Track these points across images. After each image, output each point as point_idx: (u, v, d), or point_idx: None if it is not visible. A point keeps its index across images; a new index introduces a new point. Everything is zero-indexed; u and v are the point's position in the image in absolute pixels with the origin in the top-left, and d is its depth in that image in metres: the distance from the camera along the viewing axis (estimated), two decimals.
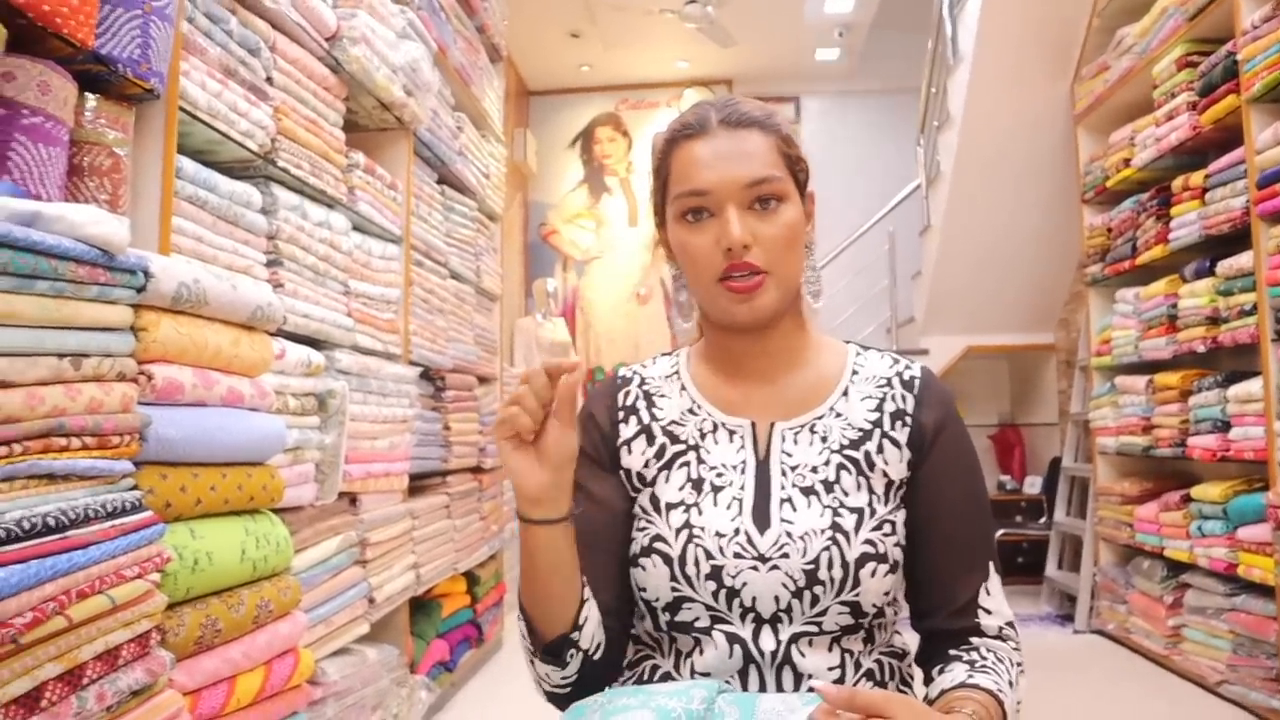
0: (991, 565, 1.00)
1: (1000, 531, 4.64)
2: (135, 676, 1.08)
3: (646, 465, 1.03)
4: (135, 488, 1.15)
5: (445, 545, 3.02)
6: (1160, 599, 3.31)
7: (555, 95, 6.56)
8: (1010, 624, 1.00)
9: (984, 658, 0.96)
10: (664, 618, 0.98)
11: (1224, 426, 2.98)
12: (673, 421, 1.04)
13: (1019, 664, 0.98)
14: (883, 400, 1.02)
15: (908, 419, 1.01)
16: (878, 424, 1.01)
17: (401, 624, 2.63)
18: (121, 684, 1.05)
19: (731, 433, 1.02)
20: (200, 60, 1.66)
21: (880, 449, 1.00)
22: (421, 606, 2.97)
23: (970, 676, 0.93)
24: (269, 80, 1.91)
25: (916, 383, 1.03)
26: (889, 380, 1.04)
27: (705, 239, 0.97)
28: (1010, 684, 0.94)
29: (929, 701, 0.94)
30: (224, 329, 1.41)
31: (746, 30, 5.66)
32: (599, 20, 5.57)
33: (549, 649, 0.96)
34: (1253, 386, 2.81)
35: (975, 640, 0.98)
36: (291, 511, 1.93)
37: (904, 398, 1.02)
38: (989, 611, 0.98)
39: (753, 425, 1.02)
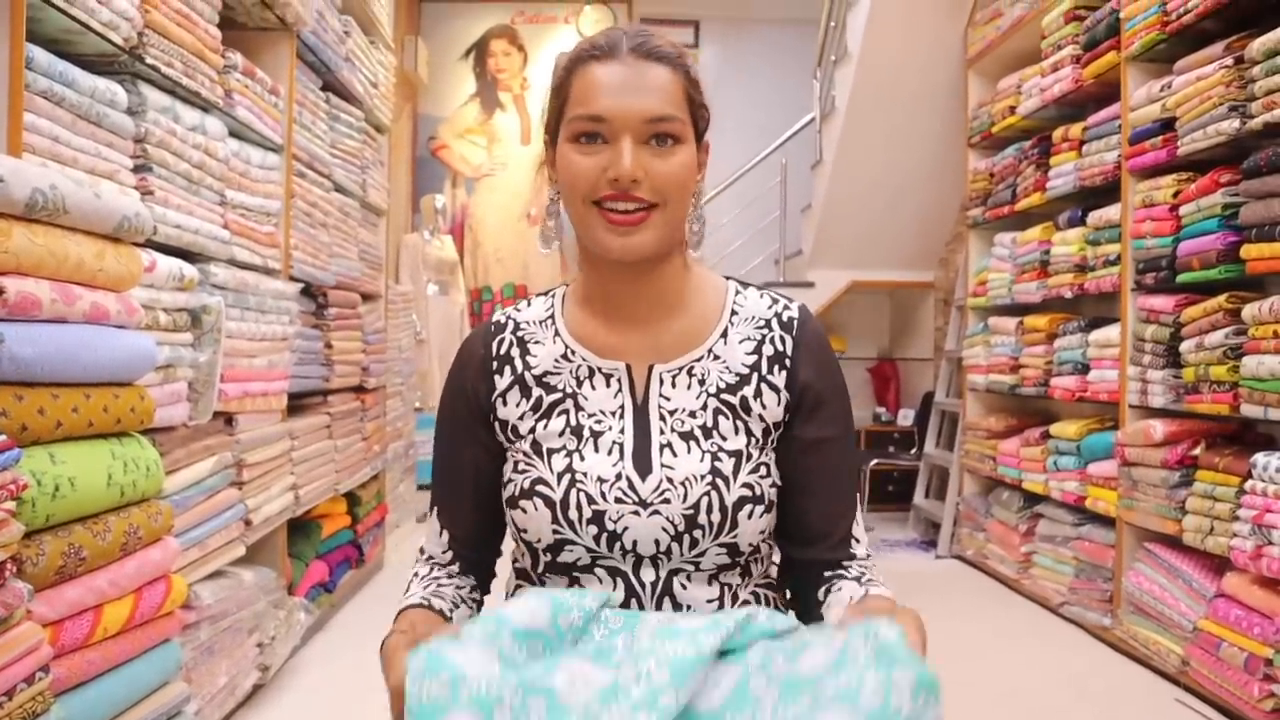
0: (857, 498, 1.07)
1: (873, 461, 4.84)
2: None
3: (522, 417, 1.02)
4: None
5: (326, 466, 2.95)
6: (1016, 527, 3.53)
7: (448, 2, 6.27)
8: (869, 553, 1.07)
9: (864, 572, 1.02)
10: (545, 558, 0.98)
11: (1083, 369, 3.16)
12: (547, 371, 1.02)
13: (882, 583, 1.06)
14: (761, 342, 1.02)
15: (786, 362, 1.02)
16: (755, 368, 1.01)
17: (279, 545, 2.58)
18: None
19: (608, 377, 1.01)
20: None
21: (759, 394, 1.01)
22: (301, 528, 2.91)
23: (870, 588, 0.99)
24: None
25: (795, 324, 1.03)
26: (767, 321, 1.03)
27: (593, 162, 0.94)
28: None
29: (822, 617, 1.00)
30: (87, 240, 1.31)
31: None
32: None
33: None
34: (1111, 332, 2.98)
35: (849, 564, 1.03)
36: (164, 432, 1.85)
37: (783, 339, 1.02)
38: (858, 540, 1.04)
39: (628, 368, 1.02)
